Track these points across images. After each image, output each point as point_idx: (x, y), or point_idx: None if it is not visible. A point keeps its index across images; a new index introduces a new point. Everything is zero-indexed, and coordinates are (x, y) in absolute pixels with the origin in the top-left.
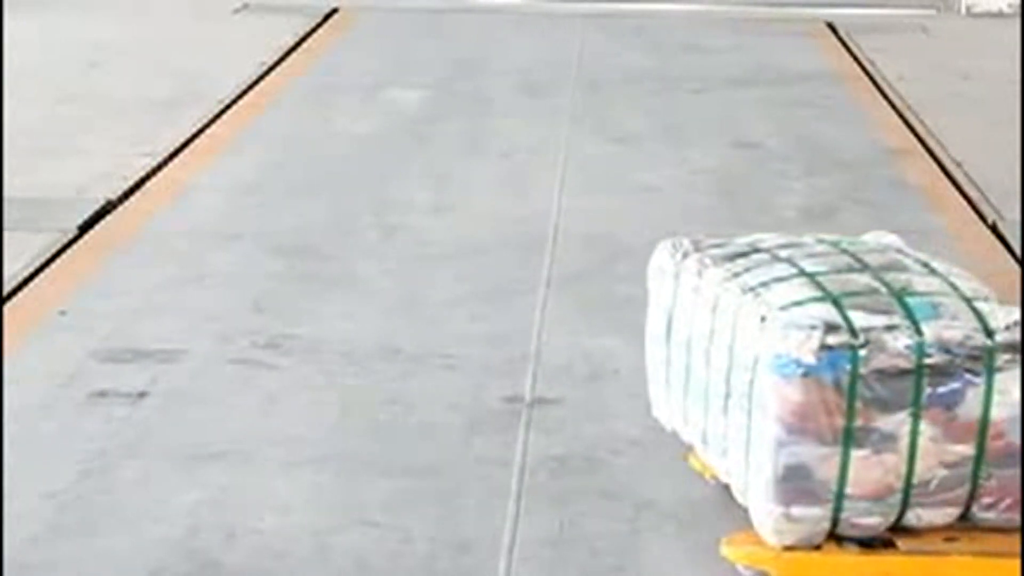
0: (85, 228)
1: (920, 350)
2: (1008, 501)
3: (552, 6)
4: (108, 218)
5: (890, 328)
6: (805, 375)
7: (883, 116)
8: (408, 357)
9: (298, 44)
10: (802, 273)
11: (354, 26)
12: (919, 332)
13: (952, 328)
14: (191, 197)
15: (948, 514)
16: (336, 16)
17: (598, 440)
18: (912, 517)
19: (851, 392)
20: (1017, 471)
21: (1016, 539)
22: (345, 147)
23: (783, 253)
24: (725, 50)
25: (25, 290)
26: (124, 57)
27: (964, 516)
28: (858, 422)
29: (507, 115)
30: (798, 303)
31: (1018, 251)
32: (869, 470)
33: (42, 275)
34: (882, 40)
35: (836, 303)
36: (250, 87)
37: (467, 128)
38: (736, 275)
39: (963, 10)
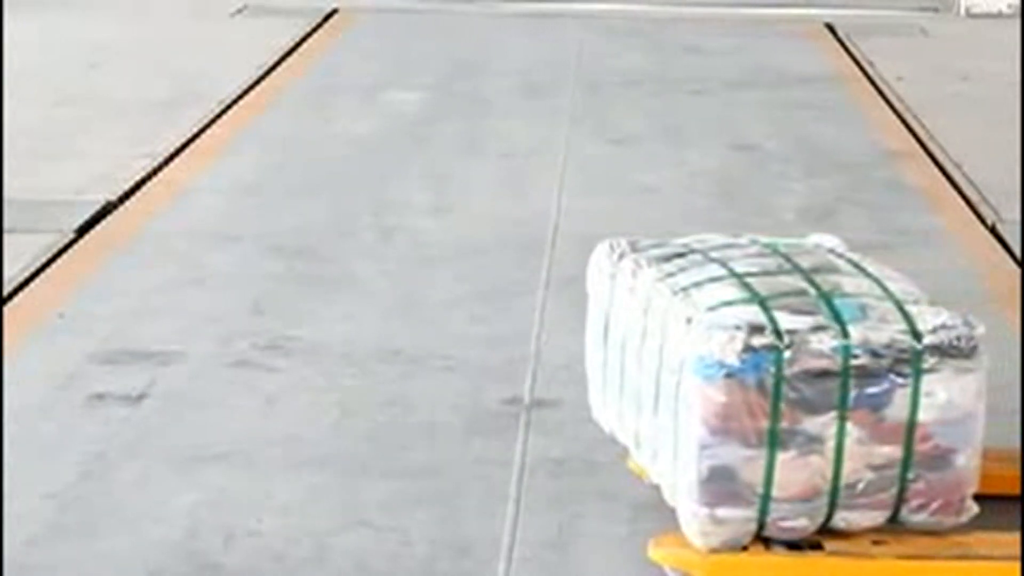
0: (84, 229)
1: (846, 352)
2: (937, 504)
3: (551, 7)
4: (107, 219)
5: (816, 329)
6: (728, 376)
7: (882, 117)
8: (408, 358)
9: (297, 45)
10: (732, 274)
11: (353, 27)
12: (845, 334)
13: (879, 330)
14: (190, 198)
15: (876, 516)
16: (335, 17)
17: (597, 442)
18: (840, 519)
19: (776, 394)
20: (943, 474)
21: (944, 542)
22: (344, 148)
23: (717, 254)
24: (724, 51)
25: (24, 292)
26: (124, 58)
27: (894, 519)
28: (783, 424)
29: (506, 116)
30: (724, 304)
31: (1017, 252)
32: (795, 472)
33: (41, 277)
34: (881, 41)
35: (763, 304)
36: (249, 88)
37: (466, 129)
38: (668, 276)
39: (962, 11)
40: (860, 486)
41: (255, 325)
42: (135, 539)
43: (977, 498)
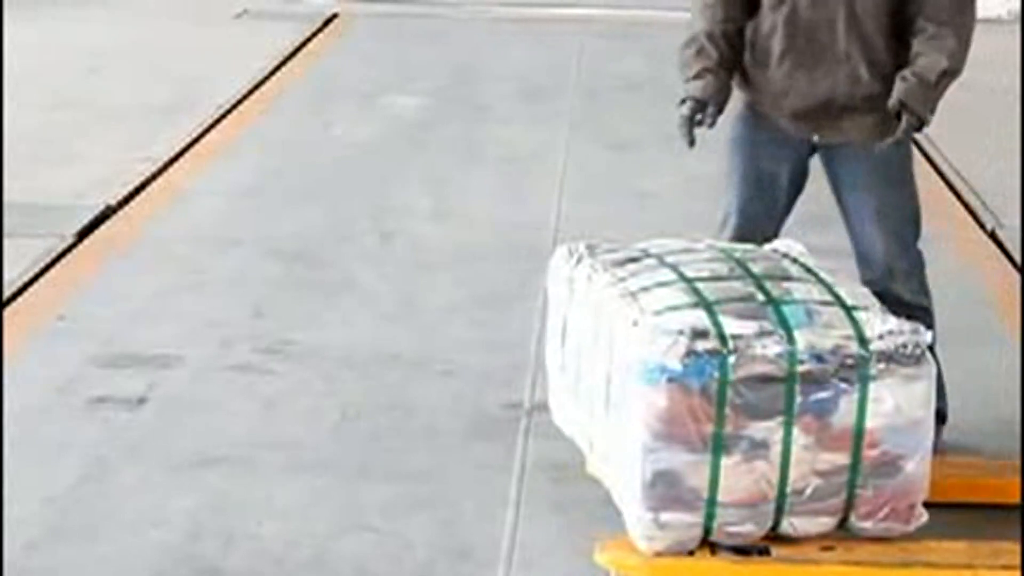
0: (84, 233)
1: (791, 358)
2: (886, 511)
3: (551, 12)
4: (107, 223)
5: (760, 335)
6: (671, 381)
7: None
8: (407, 363)
9: (297, 50)
10: (682, 279)
11: (353, 32)
12: (791, 339)
13: (825, 336)
14: (190, 202)
15: (824, 523)
16: (335, 22)
17: None
18: (787, 525)
19: (720, 398)
20: (891, 481)
21: (892, 549)
22: (344, 152)
23: (671, 259)
24: None
25: (24, 295)
26: (124, 62)
27: (843, 525)
28: (728, 429)
29: (506, 121)
30: (670, 309)
31: (1017, 258)
32: (740, 477)
33: (41, 280)
34: None
35: (709, 309)
36: (249, 92)
37: (466, 134)
38: (620, 280)
39: None
40: (807, 492)
41: (255, 329)
42: (135, 542)
43: (928, 505)
